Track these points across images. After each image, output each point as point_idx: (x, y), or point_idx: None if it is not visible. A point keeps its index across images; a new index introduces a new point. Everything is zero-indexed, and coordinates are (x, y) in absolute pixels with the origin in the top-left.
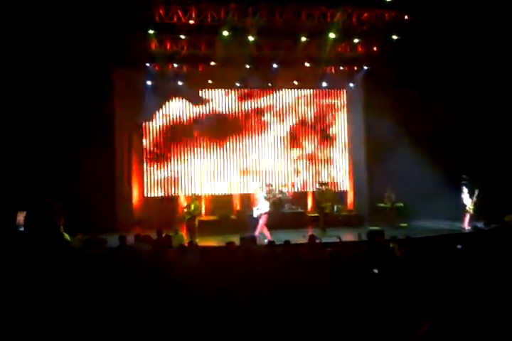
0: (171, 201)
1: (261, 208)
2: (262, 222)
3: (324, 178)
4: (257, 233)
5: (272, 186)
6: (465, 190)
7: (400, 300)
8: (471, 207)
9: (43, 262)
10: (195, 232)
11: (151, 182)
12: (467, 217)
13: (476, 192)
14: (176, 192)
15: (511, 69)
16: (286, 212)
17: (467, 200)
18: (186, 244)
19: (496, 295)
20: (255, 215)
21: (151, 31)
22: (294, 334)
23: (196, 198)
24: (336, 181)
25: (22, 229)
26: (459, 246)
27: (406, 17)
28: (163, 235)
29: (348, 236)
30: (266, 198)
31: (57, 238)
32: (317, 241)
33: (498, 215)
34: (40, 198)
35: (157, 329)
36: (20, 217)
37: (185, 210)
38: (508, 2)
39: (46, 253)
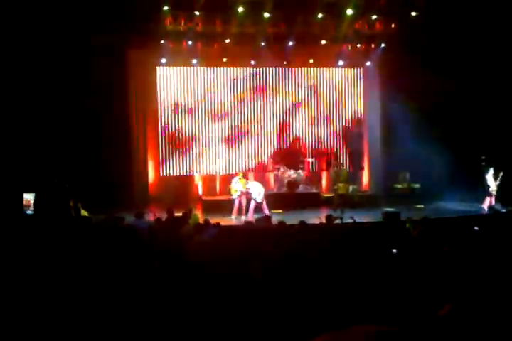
0: (186, 180)
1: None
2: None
3: (339, 158)
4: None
5: (285, 167)
6: (490, 171)
7: (418, 280)
8: (495, 189)
9: (59, 243)
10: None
11: (166, 161)
12: (488, 199)
13: (501, 174)
14: (192, 172)
15: None
16: (301, 192)
17: (491, 182)
18: (202, 222)
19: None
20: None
21: (165, 7)
22: (307, 306)
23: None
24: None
25: (30, 211)
26: (476, 228)
27: None
28: (182, 213)
29: (363, 217)
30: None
31: (71, 217)
32: (335, 222)
33: None
34: (48, 179)
35: (174, 307)
36: (27, 199)
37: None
38: None
39: (61, 234)
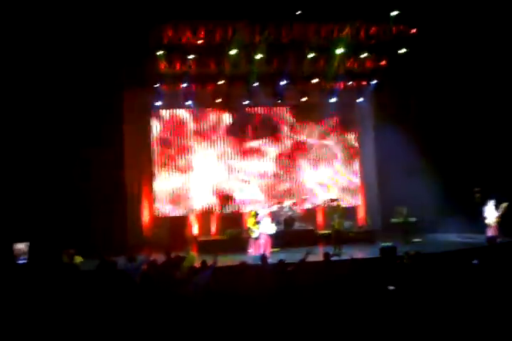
0: (181, 220)
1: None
2: (263, 241)
3: (334, 194)
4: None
5: (282, 203)
6: (490, 202)
7: (416, 317)
8: (494, 220)
9: (48, 292)
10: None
11: (161, 201)
12: (489, 231)
13: (504, 205)
14: (186, 211)
15: None
16: (297, 229)
17: (489, 213)
18: (197, 265)
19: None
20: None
21: (160, 52)
22: None
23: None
24: (346, 197)
25: (22, 261)
26: (474, 262)
27: (413, 30)
28: (173, 256)
29: (360, 253)
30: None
31: (62, 264)
32: (332, 259)
33: None
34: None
35: None
36: (19, 248)
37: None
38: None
39: (49, 282)
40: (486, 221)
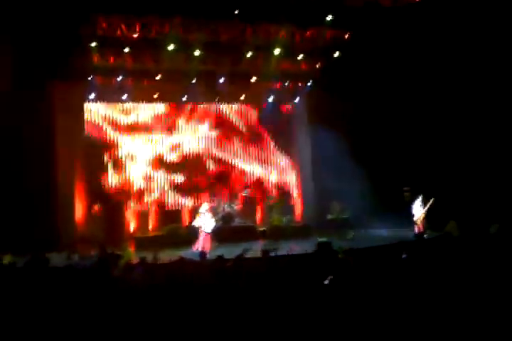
0: (117, 217)
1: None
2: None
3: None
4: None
5: (220, 200)
6: (417, 199)
7: (350, 311)
8: (421, 217)
9: None
10: None
11: (95, 195)
12: (415, 227)
13: (431, 201)
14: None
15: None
16: (236, 225)
17: (416, 210)
18: (134, 261)
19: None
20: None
21: (93, 44)
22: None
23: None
24: (284, 193)
25: None
26: (404, 256)
27: (346, 35)
28: (109, 252)
29: (297, 248)
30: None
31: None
32: (270, 254)
33: (439, 224)
34: None
35: None
36: None
37: None
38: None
39: None
40: (414, 218)
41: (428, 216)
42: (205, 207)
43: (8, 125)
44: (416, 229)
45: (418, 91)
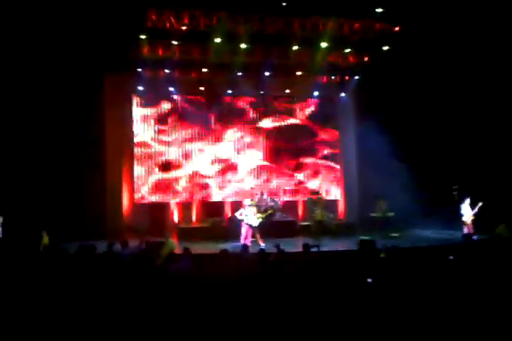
0: (161, 208)
1: (249, 217)
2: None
3: (316, 187)
4: (246, 241)
5: (263, 194)
6: (466, 201)
7: (393, 309)
8: (470, 218)
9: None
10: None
11: (141, 188)
12: (465, 228)
13: (480, 204)
14: (168, 198)
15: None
16: (278, 220)
17: (465, 211)
18: (177, 251)
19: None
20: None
21: (143, 36)
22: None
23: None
24: (327, 190)
25: None
26: (450, 257)
27: (396, 28)
28: (153, 242)
29: (339, 245)
30: (256, 209)
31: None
32: (312, 250)
33: (490, 226)
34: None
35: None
36: None
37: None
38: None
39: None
40: (463, 218)
41: (477, 219)
42: (248, 201)
43: (60, 118)
44: (465, 230)
45: (470, 88)
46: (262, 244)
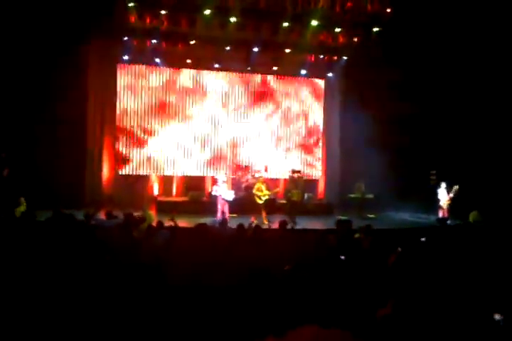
0: (143, 180)
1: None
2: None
3: (297, 166)
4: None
5: (246, 170)
6: (442, 185)
7: (363, 285)
8: (446, 203)
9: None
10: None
11: (122, 159)
12: (440, 212)
13: (456, 187)
14: (148, 172)
15: (489, 59)
16: None
17: (442, 195)
18: (154, 224)
19: (453, 284)
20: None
21: (131, 4)
22: (255, 307)
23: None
24: (308, 169)
25: None
26: (422, 239)
27: (388, 10)
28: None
29: (317, 224)
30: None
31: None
32: (288, 227)
33: (466, 212)
34: None
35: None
36: None
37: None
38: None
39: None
40: (440, 203)
41: (453, 203)
42: (222, 177)
43: (43, 80)
44: (440, 214)
45: (459, 74)
46: (266, 223)
